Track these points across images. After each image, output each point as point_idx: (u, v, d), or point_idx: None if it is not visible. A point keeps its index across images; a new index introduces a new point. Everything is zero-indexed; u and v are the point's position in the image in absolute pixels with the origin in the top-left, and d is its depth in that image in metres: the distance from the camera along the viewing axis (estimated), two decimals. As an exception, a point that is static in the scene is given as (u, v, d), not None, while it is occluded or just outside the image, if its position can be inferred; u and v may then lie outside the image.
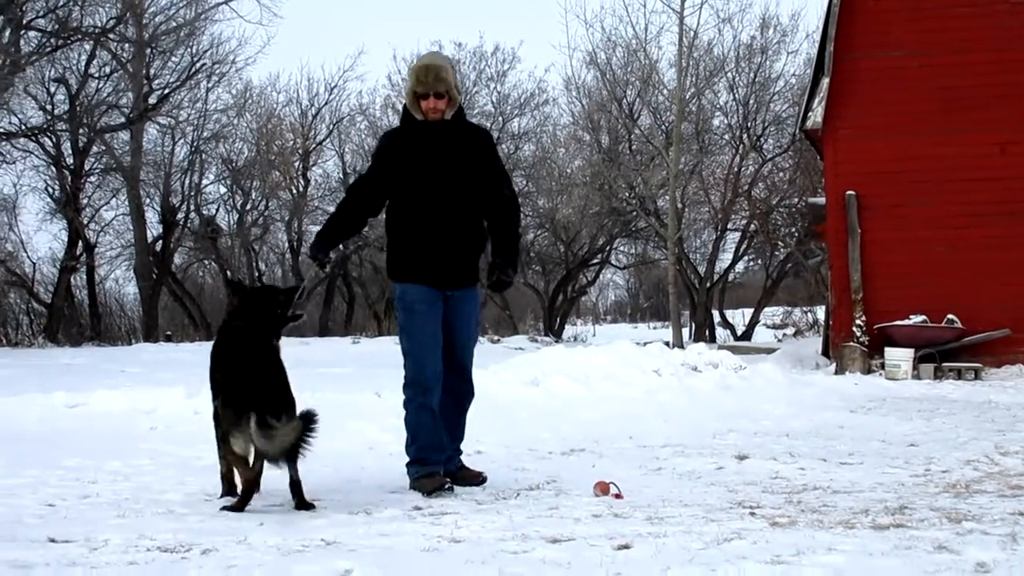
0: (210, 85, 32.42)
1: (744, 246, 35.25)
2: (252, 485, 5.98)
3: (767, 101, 32.57)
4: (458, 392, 6.86)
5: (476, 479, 6.75)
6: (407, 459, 6.68)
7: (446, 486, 6.45)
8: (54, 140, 30.22)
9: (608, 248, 38.27)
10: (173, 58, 30.89)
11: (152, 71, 30.67)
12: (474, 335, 7.05)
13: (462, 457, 6.98)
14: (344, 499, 6.24)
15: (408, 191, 6.69)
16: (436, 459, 6.63)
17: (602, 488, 6.34)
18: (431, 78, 6.63)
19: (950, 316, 17.16)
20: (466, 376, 6.88)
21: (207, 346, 7.12)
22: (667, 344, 16.43)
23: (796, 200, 30.32)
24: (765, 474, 7.16)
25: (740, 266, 38.00)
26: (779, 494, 6.36)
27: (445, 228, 6.66)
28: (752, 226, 33.07)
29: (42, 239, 55.12)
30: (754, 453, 8.15)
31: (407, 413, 6.68)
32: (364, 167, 35.83)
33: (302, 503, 5.96)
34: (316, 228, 37.46)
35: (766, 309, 37.75)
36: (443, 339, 6.71)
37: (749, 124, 32.60)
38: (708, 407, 11.33)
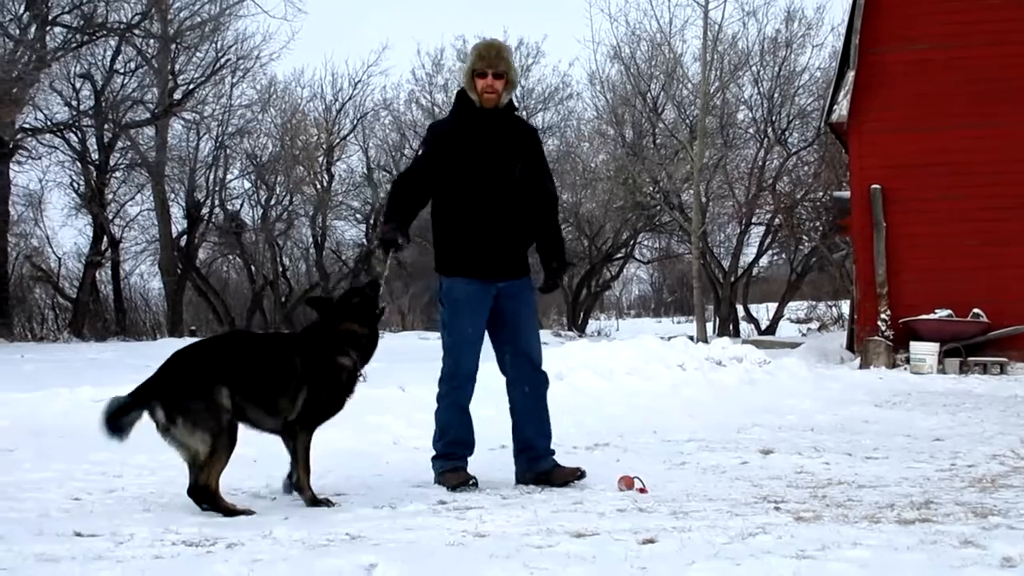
0: (235, 80, 32.66)
1: (768, 240, 35.15)
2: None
3: (792, 95, 32.46)
4: (532, 381, 6.79)
5: (573, 475, 6.61)
6: (433, 453, 6.69)
7: (471, 481, 6.44)
8: (79, 136, 30.44)
9: (632, 242, 38.23)
10: (198, 54, 31.10)
11: (177, 66, 30.85)
12: (535, 325, 6.96)
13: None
14: (369, 493, 6.26)
15: (460, 181, 6.62)
16: (462, 455, 6.64)
17: (627, 482, 6.33)
18: (493, 54, 6.64)
19: (976, 310, 17.06)
20: (535, 364, 6.79)
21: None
22: (691, 339, 16.39)
23: (821, 194, 30.16)
24: (790, 469, 7.14)
25: (764, 260, 37.95)
26: (804, 488, 6.34)
27: (497, 218, 6.62)
28: (776, 220, 32.96)
29: (67, 234, 55.61)
30: (779, 447, 8.13)
31: (438, 408, 6.71)
32: (388, 162, 36.04)
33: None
34: (340, 223, 37.57)
35: (790, 303, 37.63)
36: (502, 331, 6.71)
37: (774, 118, 32.51)
38: (732, 401, 11.31)
